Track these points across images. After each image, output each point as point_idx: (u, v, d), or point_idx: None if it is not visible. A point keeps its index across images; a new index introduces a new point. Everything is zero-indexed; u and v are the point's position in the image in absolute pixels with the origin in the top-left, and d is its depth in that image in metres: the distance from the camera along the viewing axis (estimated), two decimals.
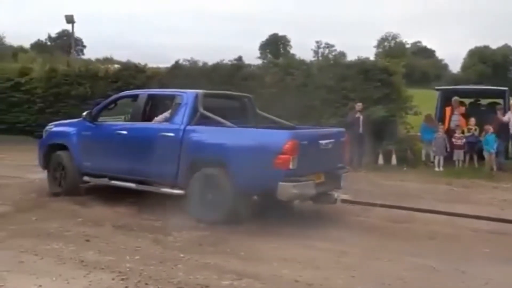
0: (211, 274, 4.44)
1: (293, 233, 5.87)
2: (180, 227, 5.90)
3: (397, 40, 73.62)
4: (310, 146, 6.24)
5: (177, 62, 16.63)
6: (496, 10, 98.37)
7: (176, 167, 6.61)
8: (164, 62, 17.84)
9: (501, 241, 5.70)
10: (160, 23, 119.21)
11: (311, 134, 6.88)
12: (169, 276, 4.39)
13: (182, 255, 4.97)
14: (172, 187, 6.69)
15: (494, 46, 62.67)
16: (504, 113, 12.32)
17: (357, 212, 7.17)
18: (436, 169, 11.91)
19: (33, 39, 63.29)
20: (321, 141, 6.49)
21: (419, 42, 73.90)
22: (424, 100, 15.01)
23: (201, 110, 6.75)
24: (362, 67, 13.53)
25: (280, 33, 76.64)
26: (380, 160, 12.59)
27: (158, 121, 7.24)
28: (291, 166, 5.88)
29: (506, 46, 62.71)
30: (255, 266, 4.68)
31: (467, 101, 14.10)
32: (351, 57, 16.20)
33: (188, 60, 16.93)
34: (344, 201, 7.12)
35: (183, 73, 14.81)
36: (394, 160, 12.50)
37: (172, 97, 7.31)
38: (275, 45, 75.76)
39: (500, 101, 13.30)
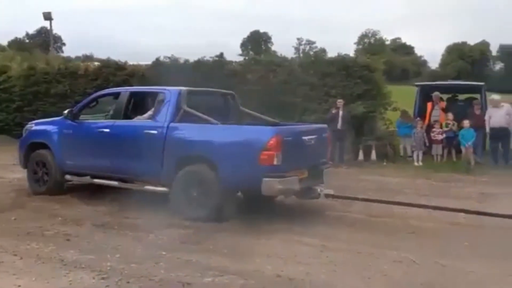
0: (193, 271, 4.44)
1: (277, 229, 5.91)
2: (162, 225, 5.88)
3: (377, 37, 74.39)
4: (294, 142, 6.30)
5: (157, 59, 16.52)
6: (474, 6, 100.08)
7: (159, 164, 6.59)
8: (145, 59, 17.72)
9: (480, 234, 5.80)
10: (142, 20, 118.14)
11: (294, 130, 6.93)
12: (150, 274, 4.37)
13: (164, 253, 4.95)
14: (156, 185, 6.67)
15: (472, 42, 63.79)
16: (481, 108, 12.57)
17: (339, 206, 7.24)
18: (416, 163, 12.10)
19: (11, 37, 62.17)
20: (304, 137, 6.55)
21: (399, 39, 74.81)
22: (404, 96, 15.22)
23: (185, 107, 6.73)
24: (343, 64, 13.65)
25: (262, 30, 76.78)
26: (361, 156, 12.74)
27: (142, 119, 7.20)
28: (275, 162, 5.92)
29: (483, 42, 63.86)
30: (238, 263, 4.69)
31: (445, 96, 14.35)
32: (332, 54, 16.28)
33: (169, 57, 16.82)
34: (327, 196, 7.17)
35: (164, 71, 14.71)
36: (374, 156, 12.66)
37: (155, 95, 7.28)
38: (256, 42, 75.79)
39: (477, 96, 13.58)
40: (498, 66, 63.83)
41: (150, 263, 4.65)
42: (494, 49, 64.08)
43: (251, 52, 59.21)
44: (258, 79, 14.01)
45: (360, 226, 6.27)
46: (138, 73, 15.58)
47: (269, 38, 78.44)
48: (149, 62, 16.61)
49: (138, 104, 7.67)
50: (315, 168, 6.79)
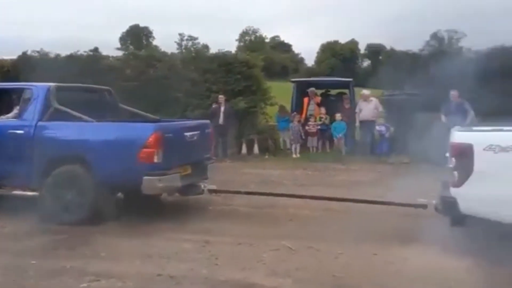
0: (67, 278, 4.20)
1: (159, 228, 5.82)
2: (33, 233, 5.47)
3: (257, 34, 76.47)
4: (175, 139, 6.22)
5: (24, 53, 15.22)
6: (344, 7, 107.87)
7: (28, 167, 6.10)
8: (11, 53, 16.21)
9: (350, 219, 6.27)
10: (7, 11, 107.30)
11: (175, 126, 6.86)
12: (18, 285, 4.06)
13: (33, 262, 4.59)
14: (25, 189, 6.18)
15: (343, 41, 68.56)
16: (350, 102, 13.63)
17: (223, 201, 7.35)
18: (294, 156, 12.73)
19: None
20: (186, 133, 6.51)
21: (278, 36, 77.69)
22: (283, 92, 15.94)
23: (55, 104, 6.30)
24: (224, 60, 13.84)
25: (142, 24, 74.54)
26: (244, 150, 13.08)
27: (6, 118, 6.58)
28: (155, 160, 5.81)
29: (353, 41, 69.02)
30: (117, 266, 4.54)
31: (319, 92, 15.27)
32: (214, 50, 16.38)
33: (38, 51, 15.59)
34: (210, 191, 7.24)
35: (32, 65, 13.60)
36: (256, 149, 13.08)
37: (20, 91, 6.69)
38: (137, 37, 73.42)
39: (347, 91, 14.68)
40: (366, 63, 69.60)
41: (18, 273, 4.29)
42: (362, 48, 69.77)
43: (131, 47, 57.20)
44: (138, 74, 13.63)
45: (242, 218, 6.43)
46: (2, 68, 14.21)
47: (150, 32, 76.51)
48: (15, 57, 15.24)
49: (2, 102, 6.99)
50: (198, 164, 6.80)
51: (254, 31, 76.98)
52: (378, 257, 4.83)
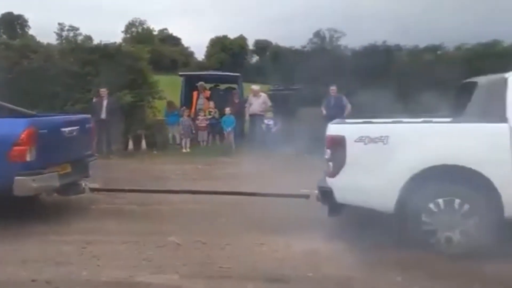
0: None
1: (36, 231, 5.40)
2: None
3: (144, 26, 74.23)
4: (52, 135, 5.81)
5: None
6: (232, 2, 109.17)
7: None
8: None
9: (238, 211, 6.38)
10: None
11: (51, 121, 6.39)
12: None
13: None
14: None
15: (232, 36, 69.34)
16: (239, 96, 13.89)
17: (107, 199, 7.05)
18: (184, 150, 12.63)
19: None
20: (64, 129, 6.11)
21: (166, 29, 76.18)
22: (173, 86, 15.73)
23: None
24: (106, 52, 13.20)
25: (16, 12, 68.30)
26: (130, 146, 12.66)
27: None
28: (28, 158, 5.39)
29: (241, 37, 70.15)
30: None
31: (208, 86, 15.31)
32: (98, 41, 15.41)
33: None
34: (92, 190, 6.92)
35: None
36: (144, 145, 12.74)
37: None
38: (10, 26, 67.12)
39: (235, 86, 14.93)
40: (254, 59, 71.26)
41: None
42: (250, 44, 71.22)
43: (3, 36, 52.14)
44: (11, 66, 12.47)
45: (127, 217, 6.22)
46: None
47: (25, 21, 70.41)
48: None
49: None
50: (79, 162, 6.44)
51: (141, 23, 74.60)
52: (264, 246, 4.98)
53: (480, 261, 4.30)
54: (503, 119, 4.53)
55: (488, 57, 14.16)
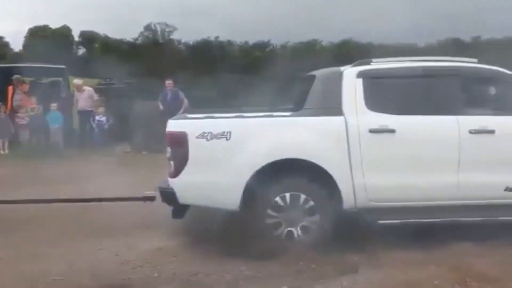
0: None
1: None
2: None
3: None
4: None
5: None
6: None
7: None
8: None
9: (75, 218, 5.70)
10: None
11: None
12: None
13: None
14: None
15: (54, 26, 63.87)
16: (65, 90, 12.93)
17: None
18: (2, 152, 11.48)
19: None
20: None
21: None
22: None
23: None
24: None
25: None
26: None
27: None
28: None
29: (65, 27, 65.08)
30: None
31: (27, 80, 13.80)
32: None
33: None
34: None
35: None
36: None
37: None
38: None
39: (61, 79, 13.75)
40: (81, 51, 66.85)
41: None
42: (76, 35, 66.49)
43: None
44: None
45: None
46: None
47: None
48: None
49: None
50: None
51: None
52: (103, 251, 4.69)
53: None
54: (339, 112, 4.59)
55: (309, 55, 15.56)
